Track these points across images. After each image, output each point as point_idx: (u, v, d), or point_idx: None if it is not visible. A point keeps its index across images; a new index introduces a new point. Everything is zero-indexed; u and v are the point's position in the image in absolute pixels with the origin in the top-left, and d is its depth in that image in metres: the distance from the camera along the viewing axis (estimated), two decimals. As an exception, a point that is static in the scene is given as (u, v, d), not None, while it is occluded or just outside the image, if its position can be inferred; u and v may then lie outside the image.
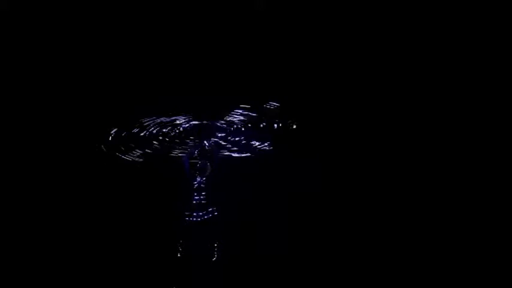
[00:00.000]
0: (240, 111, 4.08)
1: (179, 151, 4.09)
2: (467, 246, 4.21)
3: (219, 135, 4.11)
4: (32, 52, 4.59)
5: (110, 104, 4.46)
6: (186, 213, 4.02)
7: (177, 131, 4.09)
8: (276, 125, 4.07)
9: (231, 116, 4.09)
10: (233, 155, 4.10)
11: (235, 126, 4.09)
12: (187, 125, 4.09)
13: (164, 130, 4.07)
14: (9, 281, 4.14)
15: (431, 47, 4.49)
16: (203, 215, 4.03)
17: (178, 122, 4.08)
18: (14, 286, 4.16)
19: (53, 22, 4.58)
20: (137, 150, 4.04)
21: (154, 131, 4.06)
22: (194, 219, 4.01)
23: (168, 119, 4.07)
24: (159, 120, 4.07)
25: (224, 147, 4.12)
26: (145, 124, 4.06)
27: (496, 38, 4.37)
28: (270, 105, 4.11)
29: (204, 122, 4.10)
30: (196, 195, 4.02)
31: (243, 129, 4.07)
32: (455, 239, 4.25)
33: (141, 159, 4.06)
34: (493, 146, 4.36)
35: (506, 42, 4.35)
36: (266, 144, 4.09)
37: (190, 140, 4.11)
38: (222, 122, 4.12)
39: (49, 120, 4.55)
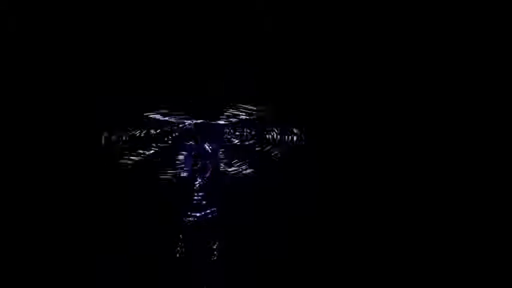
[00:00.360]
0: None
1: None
2: (467, 246, 4.23)
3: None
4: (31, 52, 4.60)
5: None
6: (186, 213, 4.03)
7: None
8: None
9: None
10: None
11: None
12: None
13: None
14: (9, 281, 4.15)
15: (431, 47, 4.51)
16: (203, 216, 4.03)
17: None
18: (14, 286, 4.17)
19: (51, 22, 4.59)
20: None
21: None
22: (194, 219, 4.02)
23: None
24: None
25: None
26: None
27: (496, 38, 4.38)
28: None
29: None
30: (196, 196, 4.03)
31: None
32: (456, 240, 4.27)
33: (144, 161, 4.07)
34: (493, 146, 4.37)
35: (506, 42, 4.36)
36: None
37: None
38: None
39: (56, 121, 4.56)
